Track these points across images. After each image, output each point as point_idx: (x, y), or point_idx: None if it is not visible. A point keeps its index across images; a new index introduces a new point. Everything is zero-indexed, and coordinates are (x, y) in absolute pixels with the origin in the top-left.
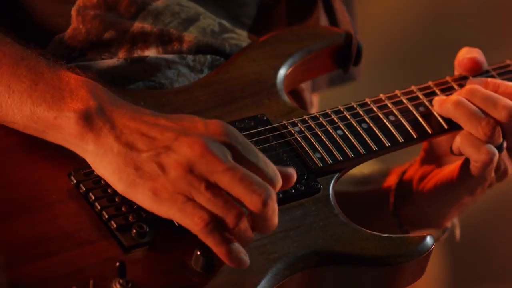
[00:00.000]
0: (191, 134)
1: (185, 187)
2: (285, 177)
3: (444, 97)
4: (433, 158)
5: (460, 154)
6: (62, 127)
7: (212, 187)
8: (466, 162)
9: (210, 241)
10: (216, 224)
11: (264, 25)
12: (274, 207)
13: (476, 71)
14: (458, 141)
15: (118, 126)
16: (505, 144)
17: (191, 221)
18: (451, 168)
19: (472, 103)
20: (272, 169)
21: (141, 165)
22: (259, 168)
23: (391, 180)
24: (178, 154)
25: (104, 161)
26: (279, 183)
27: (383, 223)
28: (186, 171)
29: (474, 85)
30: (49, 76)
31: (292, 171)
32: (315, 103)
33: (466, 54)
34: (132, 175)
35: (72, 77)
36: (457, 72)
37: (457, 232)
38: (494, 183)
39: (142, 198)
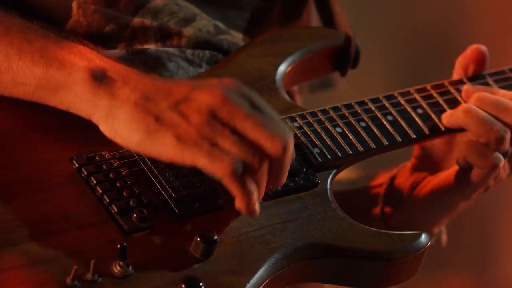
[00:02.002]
0: (207, 85)
1: (209, 132)
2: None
3: (451, 111)
4: (426, 165)
5: (467, 165)
6: (76, 82)
7: (236, 132)
8: (465, 169)
9: (235, 186)
10: (242, 170)
11: (258, 28)
12: (291, 153)
13: (480, 63)
14: (463, 148)
15: (132, 81)
16: (510, 151)
17: (219, 165)
18: (447, 174)
19: (483, 109)
20: (284, 126)
21: (161, 114)
22: (273, 120)
23: (379, 186)
24: (199, 102)
25: (120, 112)
26: (292, 140)
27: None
28: (209, 117)
29: (482, 93)
30: (59, 40)
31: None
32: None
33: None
34: (153, 124)
35: (80, 44)
36: (458, 69)
37: (444, 238)
38: (491, 187)
39: (163, 146)
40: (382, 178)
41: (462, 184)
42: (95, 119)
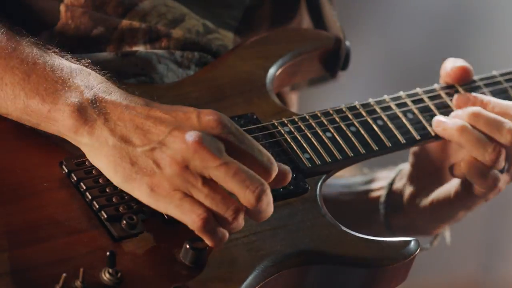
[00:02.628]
0: (184, 127)
1: (182, 183)
2: (282, 172)
3: (443, 119)
4: (423, 174)
5: (463, 177)
6: (56, 120)
7: (209, 183)
8: (466, 183)
9: (207, 238)
10: (213, 221)
11: (247, 26)
12: (268, 201)
13: (466, 79)
14: (463, 167)
15: (112, 118)
16: (507, 166)
17: (189, 219)
18: (448, 187)
19: (476, 128)
20: (267, 157)
21: (137, 160)
22: (254, 157)
23: (377, 190)
24: (173, 149)
25: (100, 154)
26: (275, 171)
27: (372, 233)
28: (182, 168)
29: (476, 108)
30: (42, 66)
31: (288, 169)
32: (295, 102)
33: (455, 63)
34: (128, 170)
35: (65, 65)
36: (443, 82)
37: (447, 235)
38: (491, 198)
39: (139, 193)
40: (380, 183)
41: (462, 197)
42: (83, 151)
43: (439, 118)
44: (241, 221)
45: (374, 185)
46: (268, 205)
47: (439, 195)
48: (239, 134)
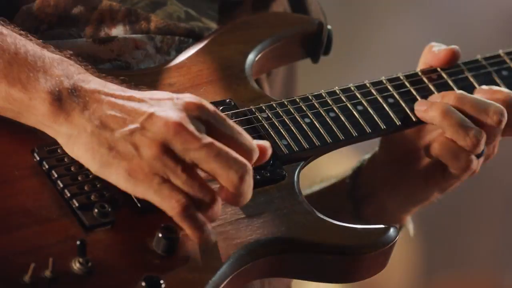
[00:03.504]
0: (164, 110)
1: (161, 167)
2: (261, 149)
3: (425, 102)
4: (396, 157)
5: (436, 158)
6: (36, 108)
7: (188, 169)
8: (440, 165)
9: (185, 225)
10: (193, 207)
11: (229, 19)
12: (250, 182)
13: (453, 62)
14: (436, 148)
15: (91, 105)
16: (485, 150)
17: (167, 204)
18: (422, 168)
19: (461, 110)
20: (248, 139)
21: (115, 145)
22: (234, 139)
23: (342, 181)
24: (152, 132)
25: (78, 141)
26: (256, 152)
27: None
28: (161, 151)
29: (460, 91)
30: (24, 56)
31: (267, 143)
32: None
33: (439, 47)
34: (106, 155)
35: (47, 56)
36: (426, 65)
37: (410, 228)
38: (464, 180)
39: (116, 178)
40: (343, 175)
41: (437, 178)
42: (58, 141)
43: (421, 101)
44: (219, 207)
45: (337, 179)
46: (249, 187)
47: (413, 176)
48: (219, 117)
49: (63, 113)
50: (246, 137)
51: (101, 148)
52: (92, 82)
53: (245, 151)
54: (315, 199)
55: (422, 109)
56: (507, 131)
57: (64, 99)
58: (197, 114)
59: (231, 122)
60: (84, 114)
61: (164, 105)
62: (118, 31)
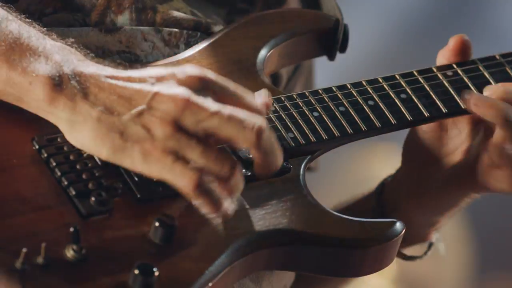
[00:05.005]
0: (168, 87)
1: (175, 145)
2: (268, 105)
3: (478, 95)
4: (417, 168)
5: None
6: (36, 93)
7: (203, 142)
8: (469, 165)
9: (200, 202)
10: (206, 184)
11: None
12: (270, 138)
13: (466, 54)
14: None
15: (93, 90)
16: None
17: (182, 182)
18: (445, 174)
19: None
20: (252, 96)
21: (125, 129)
22: (241, 101)
23: (365, 199)
24: (161, 111)
25: (83, 129)
26: (264, 109)
27: None
28: (174, 129)
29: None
30: (26, 42)
31: (265, 95)
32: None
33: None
34: (118, 140)
35: (48, 43)
36: (441, 60)
37: (441, 247)
38: None
39: (131, 162)
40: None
41: (466, 181)
42: (60, 129)
43: (471, 92)
44: (239, 177)
45: (362, 197)
46: (271, 143)
47: (437, 183)
48: (222, 83)
49: (64, 98)
50: (249, 94)
51: (110, 133)
52: (92, 67)
53: (255, 110)
54: None
55: (476, 102)
56: None
57: (65, 84)
58: (201, 86)
59: (234, 85)
60: (87, 100)
61: (167, 82)
62: (124, 18)
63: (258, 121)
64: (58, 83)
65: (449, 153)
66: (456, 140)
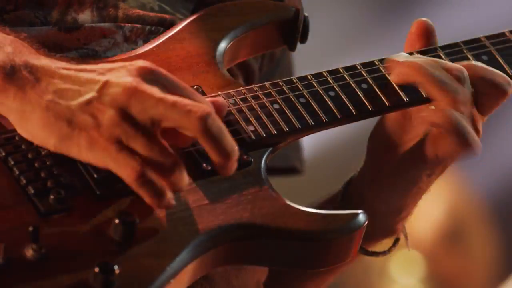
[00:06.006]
0: (118, 77)
1: (120, 133)
2: (216, 104)
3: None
4: (382, 157)
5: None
6: None
7: (149, 133)
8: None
9: (141, 192)
10: (149, 175)
11: None
12: (217, 124)
13: (428, 37)
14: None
15: (43, 80)
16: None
17: (124, 172)
18: (402, 155)
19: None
20: (201, 98)
21: (73, 117)
22: (190, 95)
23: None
24: (109, 99)
25: (33, 117)
26: (211, 108)
27: None
28: (120, 116)
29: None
30: None
31: (220, 98)
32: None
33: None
34: (65, 128)
35: (0, 35)
36: (409, 43)
37: (407, 242)
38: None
39: (78, 150)
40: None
41: (419, 155)
42: (11, 121)
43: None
44: (182, 173)
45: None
46: (220, 129)
47: (394, 165)
48: (172, 79)
49: (15, 87)
50: (200, 97)
51: (58, 122)
52: (43, 59)
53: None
54: None
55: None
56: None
57: (16, 74)
58: (151, 78)
59: (183, 84)
60: (37, 89)
61: (118, 72)
62: (85, 16)
63: (203, 106)
64: (10, 73)
65: (410, 140)
66: (419, 129)
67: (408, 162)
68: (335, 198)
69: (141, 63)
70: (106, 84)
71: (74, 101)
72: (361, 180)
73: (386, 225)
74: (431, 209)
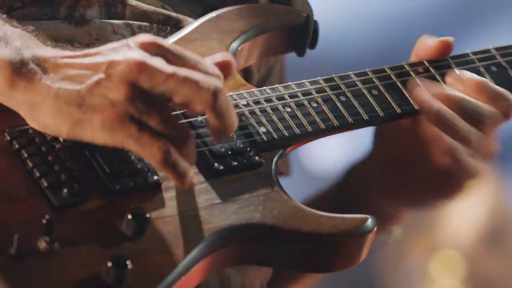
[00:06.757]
0: (123, 55)
1: (134, 110)
2: (223, 65)
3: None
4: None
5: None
6: None
7: (161, 108)
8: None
9: (168, 172)
10: (174, 154)
11: None
12: (227, 101)
13: (446, 54)
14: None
15: (51, 70)
16: None
17: (149, 152)
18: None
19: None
20: (209, 65)
21: (83, 100)
22: (197, 65)
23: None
24: (117, 76)
25: (43, 107)
26: (220, 75)
27: None
28: (131, 92)
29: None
30: None
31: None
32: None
33: (434, 38)
34: (76, 113)
35: (8, 29)
36: (417, 58)
37: (398, 232)
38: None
39: (92, 133)
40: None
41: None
42: (22, 115)
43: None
44: (193, 146)
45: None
46: (227, 105)
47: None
48: (176, 50)
49: (24, 81)
50: (206, 65)
51: (69, 107)
52: (49, 51)
53: (211, 74)
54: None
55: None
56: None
57: (25, 68)
58: (156, 51)
59: (189, 53)
60: (45, 79)
61: (121, 50)
62: (93, 12)
63: (214, 81)
64: (19, 67)
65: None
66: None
67: (430, 186)
68: (329, 195)
69: (142, 38)
70: (111, 63)
71: (83, 85)
72: (365, 175)
73: (385, 223)
74: (472, 210)
